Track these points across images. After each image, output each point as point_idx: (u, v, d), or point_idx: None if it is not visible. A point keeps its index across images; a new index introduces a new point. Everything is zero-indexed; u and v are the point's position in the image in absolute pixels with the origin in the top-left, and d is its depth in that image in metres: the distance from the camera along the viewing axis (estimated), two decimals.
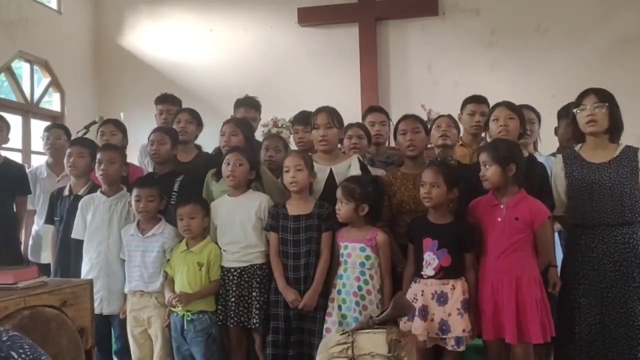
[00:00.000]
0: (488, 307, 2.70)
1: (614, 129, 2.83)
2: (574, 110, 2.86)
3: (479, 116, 3.49)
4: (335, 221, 2.95)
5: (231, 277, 3.05)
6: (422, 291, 2.75)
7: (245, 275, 3.04)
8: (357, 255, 2.86)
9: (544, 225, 2.73)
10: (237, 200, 3.13)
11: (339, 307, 2.86)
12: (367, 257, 2.86)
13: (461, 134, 3.71)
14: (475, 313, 2.76)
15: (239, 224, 3.08)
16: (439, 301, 2.72)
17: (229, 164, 3.10)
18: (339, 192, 2.89)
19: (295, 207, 3.00)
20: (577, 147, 2.95)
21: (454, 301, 2.72)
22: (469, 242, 2.80)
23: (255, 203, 3.10)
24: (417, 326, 2.69)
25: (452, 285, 2.73)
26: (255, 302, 2.99)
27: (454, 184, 2.81)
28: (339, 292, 2.87)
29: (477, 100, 3.57)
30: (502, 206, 2.75)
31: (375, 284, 2.86)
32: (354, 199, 2.85)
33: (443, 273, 2.74)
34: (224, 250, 3.10)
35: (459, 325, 2.70)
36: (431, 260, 2.76)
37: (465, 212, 2.91)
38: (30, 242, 3.99)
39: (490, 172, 2.73)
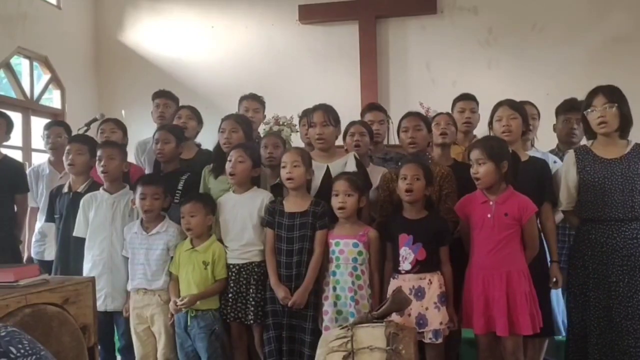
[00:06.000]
0: (479, 302, 2.75)
1: (624, 125, 2.87)
2: (584, 112, 2.90)
3: (468, 113, 3.71)
4: (332, 218, 2.95)
5: (230, 274, 3.07)
6: (400, 287, 2.78)
7: (244, 272, 3.05)
8: (349, 251, 2.89)
9: (531, 220, 2.80)
10: (241, 197, 3.14)
11: (334, 304, 2.88)
12: (360, 253, 2.89)
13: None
14: (453, 305, 2.82)
15: (240, 221, 3.09)
16: (416, 296, 2.78)
17: (230, 160, 3.10)
18: (342, 185, 2.89)
19: (291, 204, 3.01)
20: (588, 143, 3.00)
21: (430, 295, 2.78)
22: (444, 235, 2.86)
23: (258, 201, 3.10)
24: None
25: (429, 280, 2.79)
26: (252, 299, 3.02)
27: (430, 181, 2.88)
28: (334, 288, 2.89)
29: (465, 97, 3.76)
30: (491, 203, 2.80)
31: (366, 279, 2.91)
32: (358, 190, 2.89)
33: (419, 267, 2.80)
34: (225, 247, 3.11)
35: (436, 318, 2.76)
36: (407, 255, 2.82)
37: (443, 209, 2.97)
38: (34, 239, 3.94)
39: (484, 169, 2.76)
